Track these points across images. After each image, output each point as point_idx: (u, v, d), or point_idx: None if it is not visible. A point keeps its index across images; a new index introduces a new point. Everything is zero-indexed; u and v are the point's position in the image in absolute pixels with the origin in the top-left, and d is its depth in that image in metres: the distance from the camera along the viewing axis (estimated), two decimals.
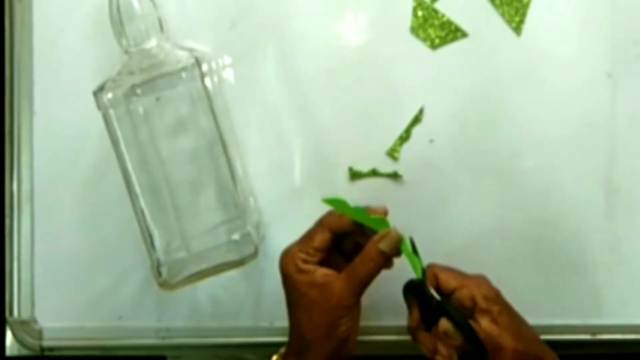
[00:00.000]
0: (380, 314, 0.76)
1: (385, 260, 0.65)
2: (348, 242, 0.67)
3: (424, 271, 0.66)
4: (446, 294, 0.65)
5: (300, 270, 0.64)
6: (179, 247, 0.72)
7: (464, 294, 0.65)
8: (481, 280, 0.66)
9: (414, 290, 0.66)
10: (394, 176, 0.74)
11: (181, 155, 0.72)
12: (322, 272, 0.64)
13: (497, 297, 0.65)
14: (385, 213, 0.66)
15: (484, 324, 0.64)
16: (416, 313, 0.66)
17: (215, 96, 0.72)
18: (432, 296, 0.65)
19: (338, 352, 0.65)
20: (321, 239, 0.65)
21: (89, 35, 0.75)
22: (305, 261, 0.65)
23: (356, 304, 0.65)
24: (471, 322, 0.64)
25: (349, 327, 0.65)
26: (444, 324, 0.64)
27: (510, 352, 0.63)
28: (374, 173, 0.74)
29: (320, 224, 0.66)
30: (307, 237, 0.66)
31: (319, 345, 0.64)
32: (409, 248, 0.65)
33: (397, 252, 0.65)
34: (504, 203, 0.75)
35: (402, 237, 0.65)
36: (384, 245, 0.64)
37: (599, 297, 0.75)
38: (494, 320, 0.64)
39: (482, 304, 0.64)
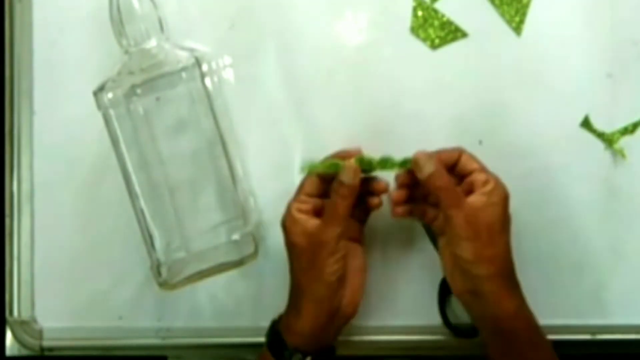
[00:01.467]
0: (380, 314, 0.76)
1: (352, 191, 0.66)
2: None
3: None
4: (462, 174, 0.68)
5: (295, 221, 0.67)
6: (179, 247, 0.72)
7: (479, 178, 0.66)
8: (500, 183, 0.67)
9: None
10: (405, 164, 0.70)
11: (181, 156, 0.72)
12: (312, 223, 0.67)
13: (504, 196, 0.66)
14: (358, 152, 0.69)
15: (473, 196, 0.66)
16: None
17: (215, 96, 0.72)
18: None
19: (331, 301, 0.67)
20: (309, 184, 0.68)
21: (89, 35, 0.75)
22: (299, 210, 0.67)
23: (338, 242, 0.66)
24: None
25: (336, 269, 0.66)
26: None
27: (462, 215, 0.65)
28: (382, 164, 0.71)
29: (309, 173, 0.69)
30: (298, 187, 0.69)
31: (309, 288, 0.67)
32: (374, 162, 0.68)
33: (359, 179, 0.67)
34: None
35: (368, 160, 0.68)
36: (343, 177, 0.66)
37: (599, 297, 0.75)
38: (484, 194, 0.66)
39: (487, 187, 0.66)
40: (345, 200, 0.66)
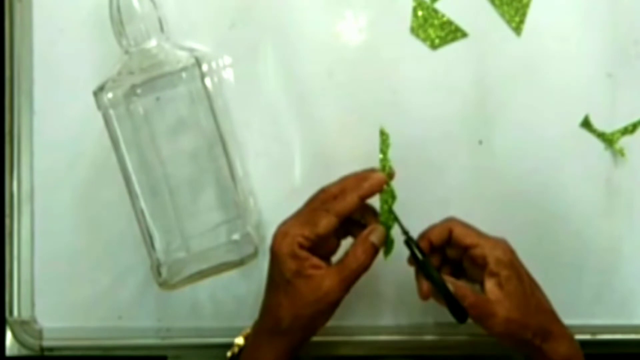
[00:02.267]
0: (380, 314, 0.76)
1: (376, 253, 0.64)
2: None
3: (406, 232, 0.66)
4: (459, 249, 0.66)
5: (294, 256, 0.62)
6: (179, 247, 0.72)
7: (476, 253, 0.65)
8: (498, 242, 0.66)
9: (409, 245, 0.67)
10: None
11: (181, 156, 0.72)
12: (313, 262, 0.62)
13: (510, 262, 0.65)
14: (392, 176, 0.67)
15: (488, 287, 0.64)
16: (412, 262, 0.67)
17: (215, 96, 0.72)
18: (415, 255, 0.65)
19: (308, 339, 0.65)
20: (326, 225, 0.63)
21: (89, 35, 0.75)
22: (301, 246, 0.62)
23: (342, 299, 0.64)
24: (449, 283, 0.64)
25: (328, 319, 0.65)
26: (424, 284, 0.65)
27: (502, 320, 0.63)
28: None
29: (326, 209, 0.63)
30: (311, 221, 0.63)
31: (295, 333, 0.64)
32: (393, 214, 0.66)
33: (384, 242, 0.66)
34: (504, 203, 0.75)
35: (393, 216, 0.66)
36: (375, 239, 0.64)
37: (599, 297, 0.75)
38: (499, 285, 0.64)
39: (492, 266, 0.64)
40: (368, 260, 0.63)
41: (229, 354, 0.69)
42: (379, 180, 0.65)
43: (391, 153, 0.68)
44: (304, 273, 0.62)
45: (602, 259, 0.75)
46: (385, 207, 0.67)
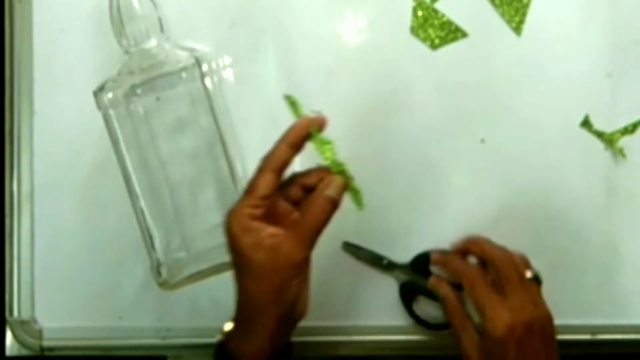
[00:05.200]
0: (380, 314, 0.76)
1: (335, 207, 0.61)
2: (294, 189, 0.63)
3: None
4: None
5: (248, 229, 0.59)
6: (179, 247, 0.72)
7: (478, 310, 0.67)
8: (504, 314, 0.66)
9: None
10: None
11: (181, 155, 0.72)
12: (269, 232, 0.59)
13: (498, 339, 0.65)
14: (322, 125, 0.62)
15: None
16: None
17: (215, 96, 0.72)
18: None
19: (289, 315, 0.61)
20: (265, 184, 0.60)
21: (89, 35, 0.75)
22: (252, 216, 0.59)
23: (306, 261, 0.60)
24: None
25: (301, 287, 0.61)
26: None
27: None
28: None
29: (260, 169, 0.61)
30: (250, 187, 0.60)
31: (269, 309, 0.60)
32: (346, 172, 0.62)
33: (343, 195, 0.62)
34: (504, 203, 0.75)
35: (348, 176, 0.62)
36: (332, 191, 0.60)
37: (599, 297, 0.75)
38: (477, 348, 0.67)
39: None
40: (326, 215, 0.60)
41: (215, 339, 0.65)
42: (303, 124, 0.62)
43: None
44: (262, 244, 0.59)
45: (602, 259, 0.75)
46: (329, 155, 0.62)
